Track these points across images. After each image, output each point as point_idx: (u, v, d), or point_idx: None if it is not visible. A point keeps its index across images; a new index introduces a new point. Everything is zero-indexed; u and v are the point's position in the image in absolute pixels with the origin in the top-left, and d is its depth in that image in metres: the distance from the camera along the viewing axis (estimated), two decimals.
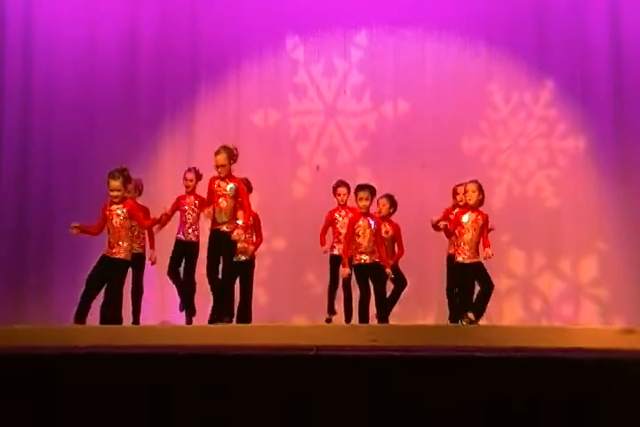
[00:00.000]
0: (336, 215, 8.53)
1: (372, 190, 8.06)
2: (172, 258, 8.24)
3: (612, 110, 9.99)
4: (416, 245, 8.94)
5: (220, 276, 7.52)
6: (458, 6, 10.21)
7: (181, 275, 8.23)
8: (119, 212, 7.44)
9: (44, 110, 10.23)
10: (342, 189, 8.54)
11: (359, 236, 7.94)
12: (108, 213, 7.45)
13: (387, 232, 8.32)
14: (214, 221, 7.58)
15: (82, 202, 9.57)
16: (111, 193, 7.44)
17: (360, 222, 7.98)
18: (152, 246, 8.31)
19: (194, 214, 8.28)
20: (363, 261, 7.92)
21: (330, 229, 8.56)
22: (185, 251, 8.25)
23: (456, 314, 7.85)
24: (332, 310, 8.43)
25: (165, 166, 10.22)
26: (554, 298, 9.90)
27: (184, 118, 10.35)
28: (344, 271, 7.96)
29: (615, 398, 4.83)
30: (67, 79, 10.21)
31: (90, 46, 10.28)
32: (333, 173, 10.05)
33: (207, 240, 7.60)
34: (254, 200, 8.62)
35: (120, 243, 7.41)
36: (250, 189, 8.32)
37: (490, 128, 10.20)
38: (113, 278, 7.41)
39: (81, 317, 7.27)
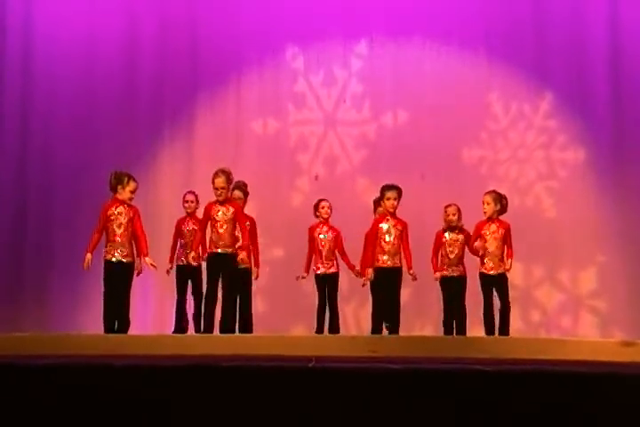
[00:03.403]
0: (316, 234, 8.37)
1: (399, 191, 7.97)
2: (178, 285, 8.32)
3: (612, 122, 10.00)
4: (414, 255, 8.91)
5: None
6: (457, 17, 10.23)
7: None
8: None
9: (43, 112, 10.21)
10: (325, 203, 8.40)
11: (383, 238, 7.87)
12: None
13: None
14: (212, 244, 7.57)
15: (82, 206, 9.54)
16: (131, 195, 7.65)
17: (384, 224, 7.91)
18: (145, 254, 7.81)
19: (192, 238, 8.18)
20: (388, 264, 7.85)
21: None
22: (188, 275, 8.29)
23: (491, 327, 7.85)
24: (320, 330, 8.20)
25: (164, 173, 10.21)
26: (553, 310, 9.89)
27: (184, 126, 10.33)
28: (367, 274, 7.91)
29: (614, 411, 4.81)
30: (66, 82, 10.19)
31: (89, 54, 10.26)
32: (332, 182, 10.07)
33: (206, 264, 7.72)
34: (253, 209, 8.60)
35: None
36: (246, 194, 8.28)
37: (489, 139, 10.20)
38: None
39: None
